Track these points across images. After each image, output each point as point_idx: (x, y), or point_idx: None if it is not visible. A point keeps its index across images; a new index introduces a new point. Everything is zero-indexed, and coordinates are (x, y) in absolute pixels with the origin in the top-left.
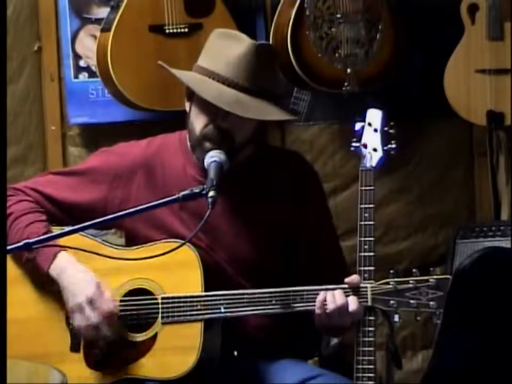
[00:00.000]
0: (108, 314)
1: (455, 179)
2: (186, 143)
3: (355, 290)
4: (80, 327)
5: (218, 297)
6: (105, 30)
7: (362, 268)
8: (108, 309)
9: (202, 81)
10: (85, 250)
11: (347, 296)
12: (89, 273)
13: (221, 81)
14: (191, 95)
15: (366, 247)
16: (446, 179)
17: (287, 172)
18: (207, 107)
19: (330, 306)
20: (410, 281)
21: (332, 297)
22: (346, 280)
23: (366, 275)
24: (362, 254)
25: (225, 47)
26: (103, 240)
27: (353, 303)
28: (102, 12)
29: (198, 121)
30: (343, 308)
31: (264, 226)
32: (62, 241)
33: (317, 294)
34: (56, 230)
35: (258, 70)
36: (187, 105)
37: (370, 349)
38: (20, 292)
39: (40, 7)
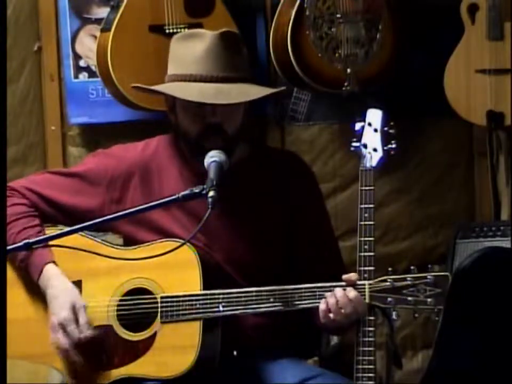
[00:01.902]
0: (76, 342)
1: (455, 179)
2: (182, 146)
3: (352, 287)
4: (54, 345)
5: (216, 296)
6: (105, 30)
7: (362, 268)
8: (77, 337)
9: (179, 86)
10: (85, 250)
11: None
12: (67, 294)
13: (197, 80)
14: (173, 106)
15: (366, 247)
16: (446, 179)
17: (284, 172)
18: (193, 109)
19: (338, 315)
20: (408, 279)
21: (336, 307)
22: (344, 277)
23: (365, 275)
24: (362, 254)
25: (188, 48)
26: (103, 240)
27: (358, 302)
28: (102, 12)
29: (190, 126)
30: (350, 312)
31: (262, 226)
32: (61, 241)
33: (315, 292)
34: (53, 231)
35: (228, 57)
36: (172, 117)
37: (370, 349)
38: (19, 293)
39: (40, 7)
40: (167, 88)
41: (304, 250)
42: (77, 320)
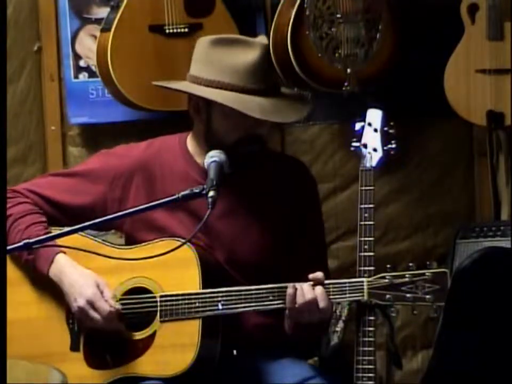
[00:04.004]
0: (109, 314)
1: (455, 179)
2: (187, 146)
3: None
4: (87, 328)
5: (215, 294)
6: (105, 30)
7: (362, 268)
8: (108, 308)
9: (237, 97)
10: (85, 250)
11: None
12: (88, 274)
13: (253, 93)
14: (201, 108)
15: (366, 247)
16: (446, 179)
17: (285, 174)
18: (237, 119)
19: (299, 300)
20: (406, 275)
21: (301, 291)
22: (311, 276)
23: (365, 275)
24: (362, 254)
25: (235, 56)
26: (103, 240)
27: (322, 299)
28: (102, 12)
29: (229, 133)
30: (313, 303)
31: (262, 227)
32: (61, 241)
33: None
34: (56, 231)
35: (272, 68)
36: (197, 118)
37: (370, 349)
38: (20, 292)
39: (40, 7)
40: (226, 98)
41: (304, 252)
42: (103, 296)
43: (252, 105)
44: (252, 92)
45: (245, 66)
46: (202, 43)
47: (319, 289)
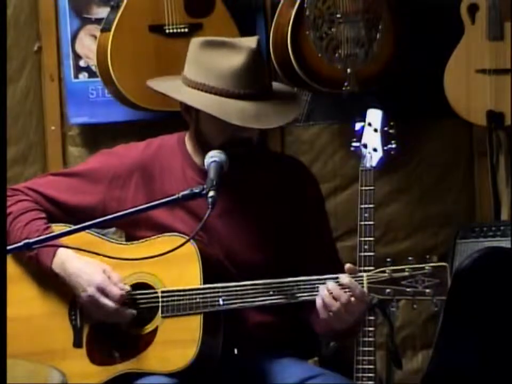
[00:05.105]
0: (121, 298)
1: (455, 179)
2: (185, 145)
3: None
4: (99, 318)
5: (217, 290)
6: (105, 30)
7: (362, 268)
8: (119, 292)
9: (218, 103)
10: (85, 250)
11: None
12: (92, 262)
13: (236, 97)
14: (190, 109)
15: (366, 247)
16: (446, 179)
17: (286, 175)
18: (225, 124)
19: (335, 309)
20: (406, 269)
21: (331, 299)
22: (346, 267)
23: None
24: (362, 254)
25: (222, 59)
26: (107, 237)
27: (354, 288)
28: (102, 12)
29: (216, 136)
30: (347, 301)
31: (260, 227)
32: (63, 238)
33: (314, 284)
34: (56, 227)
35: (263, 71)
36: (188, 119)
37: (370, 349)
38: (22, 289)
39: (40, 7)
40: (204, 102)
41: (305, 251)
42: (111, 280)
43: (232, 111)
44: (236, 96)
45: (230, 70)
46: (194, 44)
47: (345, 280)
